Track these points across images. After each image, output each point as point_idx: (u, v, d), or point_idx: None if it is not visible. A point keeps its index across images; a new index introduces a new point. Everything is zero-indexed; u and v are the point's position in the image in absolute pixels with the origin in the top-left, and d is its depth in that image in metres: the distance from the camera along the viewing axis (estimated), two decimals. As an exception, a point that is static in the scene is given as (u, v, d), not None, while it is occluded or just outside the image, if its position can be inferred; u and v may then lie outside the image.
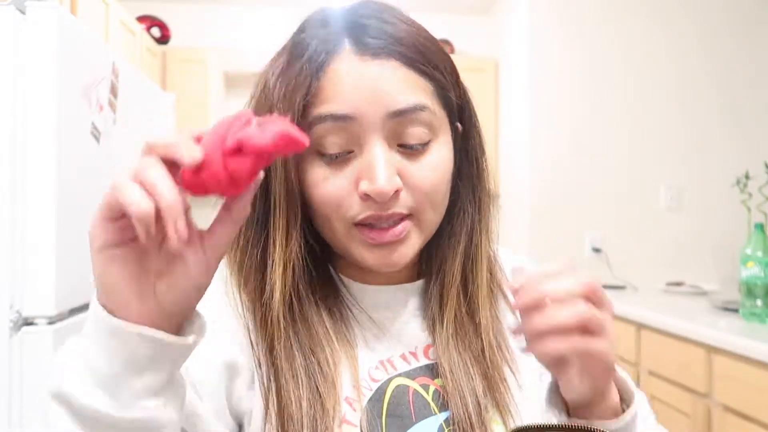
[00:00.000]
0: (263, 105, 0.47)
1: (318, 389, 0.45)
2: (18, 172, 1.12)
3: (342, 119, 0.43)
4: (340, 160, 0.45)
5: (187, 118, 2.52)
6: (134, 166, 0.35)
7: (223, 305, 0.48)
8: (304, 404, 0.44)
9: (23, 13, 1.14)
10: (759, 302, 1.56)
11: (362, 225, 0.46)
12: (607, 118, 2.44)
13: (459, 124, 0.51)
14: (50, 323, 1.14)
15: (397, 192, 0.44)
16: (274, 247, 0.47)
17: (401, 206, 0.45)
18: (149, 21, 2.69)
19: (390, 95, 0.44)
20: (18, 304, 1.12)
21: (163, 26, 2.75)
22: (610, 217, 2.42)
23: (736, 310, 1.67)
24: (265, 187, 0.47)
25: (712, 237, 2.44)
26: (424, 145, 0.46)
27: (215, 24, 2.94)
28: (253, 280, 0.48)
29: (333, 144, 0.44)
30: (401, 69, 0.44)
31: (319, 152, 0.45)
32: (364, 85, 0.43)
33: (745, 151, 2.44)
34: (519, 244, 2.44)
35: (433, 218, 0.49)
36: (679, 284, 2.27)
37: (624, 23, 2.45)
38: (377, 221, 0.45)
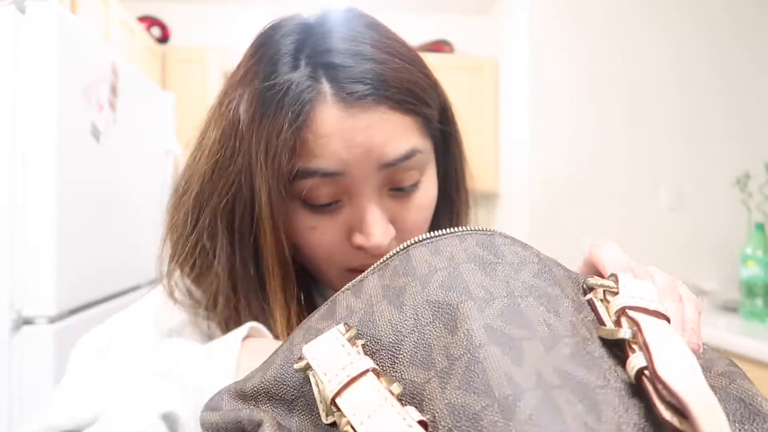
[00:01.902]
0: (236, 152, 0.42)
1: None
2: (18, 171, 1.12)
3: (330, 175, 0.40)
4: (329, 209, 0.42)
5: (187, 117, 2.52)
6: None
7: None
8: None
9: (23, 12, 1.14)
10: (759, 302, 1.56)
11: (354, 270, 0.44)
12: (607, 118, 2.44)
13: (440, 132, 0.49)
14: (50, 323, 1.14)
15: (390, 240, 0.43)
16: (273, 320, 0.44)
17: (392, 249, 0.45)
18: (149, 21, 2.69)
19: (381, 147, 0.40)
20: (18, 304, 1.12)
21: (163, 26, 2.75)
22: (610, 217, 2.42)
23: (736, 310, 1.67)
24: (253, 248, 0.44)
25: (712, 236, 2.44)
26: (415, 185, 0.44)
27: (215, 24, 2.94)
28: None
29: (321, 196, 0.41)
30: (390, 114, 0.40)
31: (305, 202, 0.42)
32: (352, 139, 0.39)
33: (745, 150, 2.44)
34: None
35: None
36: (679, 284, 2.27)
37: (624, 23, 2.45)
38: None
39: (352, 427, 0.22)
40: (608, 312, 0.27)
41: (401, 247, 0.30)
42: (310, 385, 0.26)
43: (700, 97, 2.47)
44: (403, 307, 0.27)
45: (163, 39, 2.74)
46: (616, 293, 0.27)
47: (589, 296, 0.28)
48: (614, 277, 0.29)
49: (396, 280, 0.28)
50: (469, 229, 0.30)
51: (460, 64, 2.74)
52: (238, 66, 0.45)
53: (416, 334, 0.25)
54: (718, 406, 0.20)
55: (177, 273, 0.48)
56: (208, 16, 2.94)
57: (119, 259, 1.50)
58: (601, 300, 0.28)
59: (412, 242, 0.30)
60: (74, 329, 1.21)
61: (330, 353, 0.25)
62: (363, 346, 0.26)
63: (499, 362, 0.22)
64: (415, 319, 0.26)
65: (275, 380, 0.28)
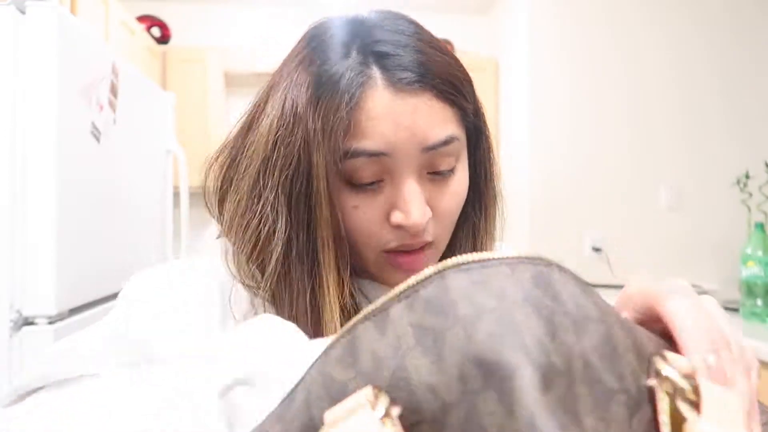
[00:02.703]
0: (295, 130, 0.44)
1: None
2: (18, 171, 1.12)
3: (377, 155, 0.44)
4: (371, 189, 0.45)
5: (187, 117, 2.52)
6: None
7: None
8: None
9: (23, 12, 1.14)
10: (759, 302, 1.56)
11: (391, 251, 0.47)
12: (607, 118, 2.44)
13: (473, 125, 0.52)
14: (50, 323, 1.14)
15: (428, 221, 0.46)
16: (328, 292, 0.45)
17: (429, 234, 0.47)
18: (149, 21, 2.69)
19: (424, 131, 0.44)
20: (18, 303, 1.12)
21: (163, 26, 2.75)
22: (610, 216, 2.42)
23: (736, 310, 1.67)
24: (306, 222, 0.45)
25: (712, 236, 2.44)
26: (451, 171, 0.47)
27: (215, 24, 2.94)
28: (307, 328, 0.45)
29: (365, 176, 0.45)
30: (434, 101, 0.44)
31: (349, 182, 0.45)
32: (400, 122, 0.43)
33: (745, 150, 2.44)
34: (519, 244, 2.44)
35: (447, 238, 0.50)
36: (679, 284, 2.27)
37: (624, 23, 2.45)
38: (408, 248, 0.47)
39: None
40: (669, 414, 0.23)
41: (434, 270, 0.24)
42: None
43: (700, 97, 2.47)
44: (444, 362, 0.21)
45: (163, 39, 2.74)
46: (694, 402, 0.23)
47: (653, 383, 0.24)
48: (693, 370, 0.24)
49: (430, 317, 0.23)
50: (521, 255, 0.25)
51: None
52: (290, 54, 0.49)
53: (464, 405, 0.21)
54: None
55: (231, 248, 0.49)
56: (208, 16, 2.94)
57: (119, 259, 1.50)
58: (667, 393, 0.24)
59: (449, 265, 0.24)
60: (74, 329, 1.21)
61: None
62: (400, 417, 0.22)
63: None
64: (461, 382, 0.21)
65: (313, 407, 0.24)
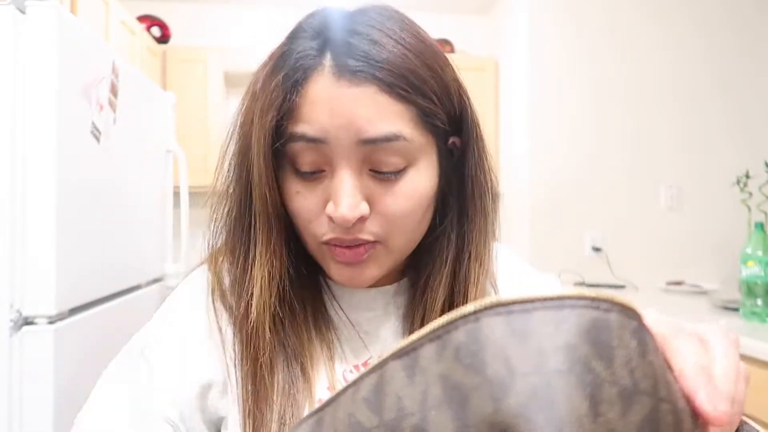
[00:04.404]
0: (249, 114, 0.46)
1: (295, 396, 0.46)
2: (18, 171, 1.12)
3: (314, 141, 0.43)
4: (312, 177, 0.45)
5: (187, 117, 2.52)
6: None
7: (202, 319, 0.50)
8: (280, 411, 0.45)
9: (23, 12, 1.13)
10: (759, 301, 1.56)
11: (328, 243, 0.46)
12: (607, 118, 2.44)
13: (457, 139, 0.49)
14: (50, 323, 1.14)
15: (362, 218, 0.44)
16: (255, 261, 0.47)
17: (366, 233, 0.45)
18: (149, 20, 2.69)
19: (363, 123, 0.42)
20: (18, 303, 1.12)
21: (163, 26, 2.75)
22: (610, 216, 2.42)
23: (736, 310, 1.67)
24: (248, 198, 0.48)
25: (712, 236, 2.44)
26: (398, 173, 0.44)
27: (215, 24, 2.94)
28: (236, 294, 0.49)
29: (306, 162, 0.44)
30: (379, 95, 0.42)
31: (293, 166, 0.45)
32: (338, 110, 0.42)
33: (745, 150, 2.44)
34: (519, 244, 2.44)
35: (405, 243, 0.48)
36: (679, 283, 2.27)
37: (624, 23, 2.45)
38: (340, 243, 0.46)
39: None
40: None
41: (469, 311, 0.22)
42: None
43: (700, 97, 2.47)
44: (468, 429, 0.20)
45: (164, 39, 2.74)
46: None
47: None
48: None
49: (459, 371, 0.21)
50: (576, 294, 0.21)
51: (461, 64, 2.72)
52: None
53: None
54: None
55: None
56: (208, 16, 2.94)
57: (119, 259, 1.50)
58: None
59: (486, 305, 0.21)
60: (74, 329, 1.21)
61: None
62: None
63: None
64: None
65: None
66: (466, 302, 0.48)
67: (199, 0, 2.90)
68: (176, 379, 0.46)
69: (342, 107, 0.42)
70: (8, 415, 1.10)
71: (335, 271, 0.47)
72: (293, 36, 0.46)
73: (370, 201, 0.45)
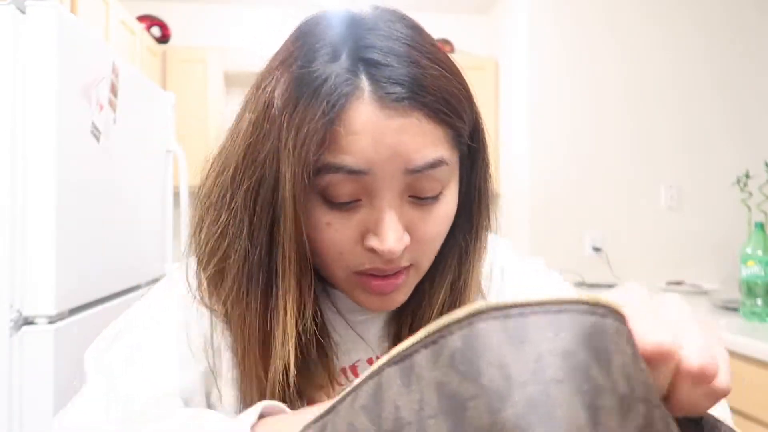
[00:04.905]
0: (267, 136, 0.41)
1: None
2: (18, 171, 1.12)
3: (355, 173, 0.40)
4: (347, 207, 0.42)
5: (187, 117, 2.52)
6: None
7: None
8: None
9: (23, 12, 1.13)
10: (759, 301, 1.56)
11: (363, 273, 0.44)
12: (607, 118, 2.44)
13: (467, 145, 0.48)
14: (50, 323, 1.14)
15: (405, 248, 0.43)
16: (284, 315, 0.42)
17: (405, 260, 0.44)
18: (149, 20, 2.69)
19: (409, 152, 0.40)
20: (18, 303, 1.12)
21: (163, 26, 2.75)
22: (610, 216, 2.42)
23: (736, 309, 1.67)
24: (270, 239, 0.42)
25: (713, 236, 2.44)
26: (436, 197, 0.43)
27: (215, 24, 2.94)
28: (254, 352, 0.44)
29: (342, 193, 0.41)
30: (424, 122, 0.40)
31: (324, 197, 0.42)
32: (383, 141, 0.39)
33: (745, 150, 2.44)
34: (519, 244, 2.44)
35: (429, 262, 0.47)
36: (679, 283, 2.27)
37: (624, 23, 2.45)
38: (380, 273, 0.44)
39: None
40: None
41: (463, 315, 0.21)
42: None
43: (699, 97, 2.47)
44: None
45: (164, 39, 2.74)
46: None
47: None
48: None
49: (455, 378, 0.20)
50: (572, 299, 0.21)
51: (460, 64, 2.74)
52: (278, 50, 0.45)
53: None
54: None
55: (194, 267, 0.48)
56: (208, 16, 2.94)
57: (119, 259, 1.50)
58: None
59: (480, 309, 0.21)
60: (74, 329, 1.21)
61: None
62: None
63: None
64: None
65: None
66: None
67: (199, 0, 2.90)
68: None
69: (387, 138, 0.39)
70: (8, 414, 1.10)
71: (364, 298, 0.46)
72: (312, 51, 0.41)
73: (408, 228, 0.43)
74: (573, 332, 0.20)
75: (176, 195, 1.99)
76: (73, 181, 1.21)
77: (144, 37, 2.41)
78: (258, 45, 2.90)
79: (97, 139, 1.34)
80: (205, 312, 0.47)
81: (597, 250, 2.39)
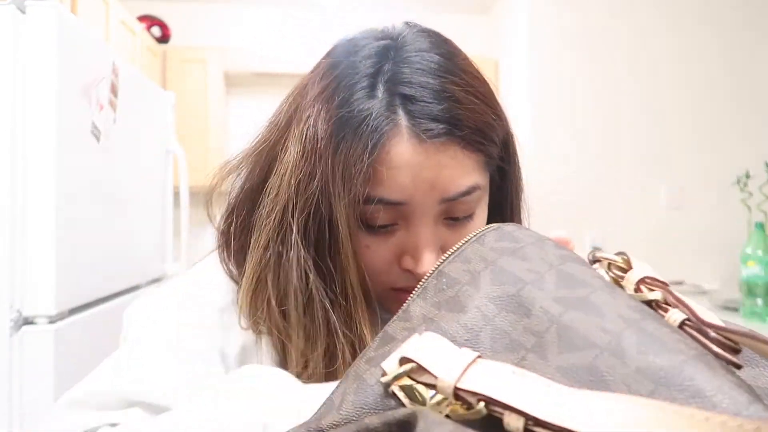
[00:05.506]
0: (316, 172, 0.43)
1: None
2: (18, 171, 1.12)
3: (394, 204, 0.42)
4: (384, 231, 0.44)
5: (187, 117, 2.52)
6: None
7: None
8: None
9: (23, 12, 1.14)
10: (759, 301, 1.56)
11: (399, 290, 0.46)
12: (607, 118, 2.44)
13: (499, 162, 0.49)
14: (50, 323, 1.14)
15: None
16: (362, 335, 0.44)
17: None
18: (149, 20, 2.69)
19: (446, 184, 0.42)
20: (18, 303, 1.12)
21: (163, 25, 2.75)
22: (610, 216, 2.42)
23: (736, 309, 1.67)
24: (332, 269, 0.44)
25: (713, 236, 2.43)
26: (469, 216, 0.46)
27: (215, 24, 2.94)
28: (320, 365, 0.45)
29: (380, 219, 0.43)
30: (459, 153, 0.42)
31: (363, 223, 0.44)
32: (422, 176, 0.41)
33: (745, 150, 2.44)
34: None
35: None
36: (679, 283, 2.27)
37: (624, 23, 2.45)
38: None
39: (492, 404, 0.21)
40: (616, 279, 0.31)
41: (432, 271, 0.31)
42: (395, 403, 0.25)
43: (700, 97, 2.47)
44: (465, 309, 0.28)
45: (164, 38, 2.74)
46: (624, 269, 0.32)
47: (595, 267, 0.32)
48: (622, 254, 0.33)
49: (444, 294, 0.30)
50: (479, 231, 0.32)
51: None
52: (315, 79, 0.46)
53: (489, 327, 0.27)
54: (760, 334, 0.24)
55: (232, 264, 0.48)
56: (208, 16, 2.94)
57: (119, 259, 1.50)
58: (606, 271, 0.32)
59: (440, 263, 0.32)
60: (74, 329, 1.21)
61: (432, 351, 0.25)
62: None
63: (584, 320, 0.24)
64: (482, 315, 0.27)
65: (358, 408, 0.26)
66: None
67: (199, 0, 2.90)
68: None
69: (425, 173, 0.41)
70: (8, 414, 1.10)
71: (397, 308, 0.46)
72: (349, 86, 0.42)
73: (443, 247, 0.45)
74: (490, 238, 0.32)
75: (176, 195, 1.99)
76: (73, 181, 1.21)
77: (144, 37, 2.41)
78: (258, 45, 2.90)
79: (97, 139, 1.34)
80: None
81: (597, 249, 2.39)
